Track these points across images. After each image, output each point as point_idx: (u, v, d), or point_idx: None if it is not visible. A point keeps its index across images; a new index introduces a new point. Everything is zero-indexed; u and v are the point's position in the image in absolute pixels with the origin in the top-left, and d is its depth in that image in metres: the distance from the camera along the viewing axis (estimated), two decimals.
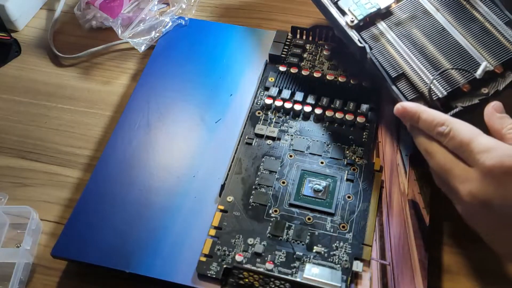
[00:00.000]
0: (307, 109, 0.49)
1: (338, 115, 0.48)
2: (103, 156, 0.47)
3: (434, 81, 0.43)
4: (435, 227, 0.44)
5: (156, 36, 0.57)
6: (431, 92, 0.43)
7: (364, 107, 0.48)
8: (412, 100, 0.43)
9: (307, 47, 0.54)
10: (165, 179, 0.45)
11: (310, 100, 0.49)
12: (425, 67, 0.44)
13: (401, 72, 0.44)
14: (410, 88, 0.44)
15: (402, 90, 0.44)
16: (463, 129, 0.37)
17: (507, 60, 0.43)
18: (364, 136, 0.47)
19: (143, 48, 0.56)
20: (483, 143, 0.35)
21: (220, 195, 0.44)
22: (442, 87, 0.43)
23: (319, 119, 0.49)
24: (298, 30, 0.55)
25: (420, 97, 0.43)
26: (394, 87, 0.44)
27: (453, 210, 0.45)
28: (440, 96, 0.42)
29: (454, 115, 0.41)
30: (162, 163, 0.46)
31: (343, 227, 0.42)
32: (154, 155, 0.47)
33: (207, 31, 0.57)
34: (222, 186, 0.44)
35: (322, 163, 0.45)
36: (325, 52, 0.53)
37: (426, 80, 0.43)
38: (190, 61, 0.54)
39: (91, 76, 0.57)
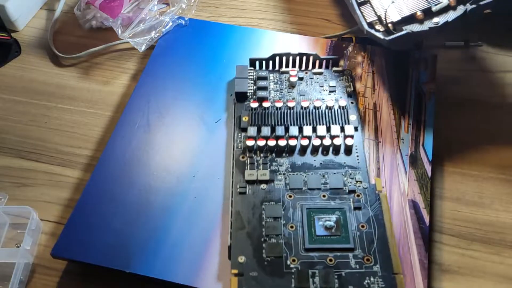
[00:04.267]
0: (292, 142, 0.46)
1: (325, 142, 0.46)
2: (103, 156, 0.47)
3: (392, 6, 0.48)
4: (435, 227, 0.44)
5: (156, 36, 0.57)
6: (386, 15, 0.49)
7: (348, 128, 0.47)
8: (369, 24, 0.50)
9: (271, 77, 0.52)
10: (165, 179, 0.45)
11: (293, 132, 0.47)
12: None
13: None
14: (372, 12, 0.50)
15: (364, 13, 0.50)
16: None
17: None
18: (357, 158, 0.46)
19: (143, 48, 0.56)
20: None
21: (229, 258, 0.40)
22: (398, 12, 0.49)
23: (305, 150, 0.46)
24: (257, 62, 0.52)
25: (378, 20, 0.49)
26: (358, 10, 0.50)
27: (453, 210, 0.45)
28: (394, 20, 0.48)
29: (401, 36, 0.47)
30: (162, 163, 0.46)
31: (368, 260, 0.39)
32: (154, 155, 0.47)
33: (207, 31, 0.57)
34: (229, 248, 0.40)
35: (324, 196, 0.43)
36: (291, 79, 0.51)
37: (386, 6, 0.49)
38: (190, 61, 0.54)
39: (91, 76, 0.57)
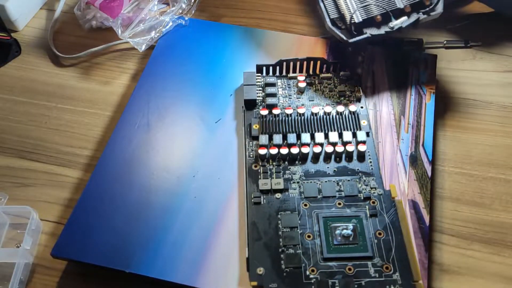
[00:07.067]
0: (305, 150, 0.45)
1: (338, 149, 0.45)
2: (103, 156, 0.47)
3: (357, 8, 0.49)
4: (435, 227, 0.44)
5: (156, 36, 0.57)
6: (352, 16, 0.49)
7: (360, 133, 0.46)
8: (332, 20, 0.50)
9: (279, 83, 0.51)
10: (165, 179, 0.45)
11: (305, 139, 0.46)
12: None
13: None
14: (335, 8, 0.51)
15: (327, 8, 0.51)
16: None
17: (415, 2, 0.49)
18: (370, 164, 0.45)
19: (143, 48, 0.56)
20: None
21: (248, 270, 0.40)
22: (360, 14, 0.49)
23: (318, 158, 0.46)
24: (264, 68, 0.52)
25: (340, 18, 0.50)
26: (322, 4, 0.51)
27: (453, 210, 0.45)
28: (356, 21, 0.49)
29: (362, 40, 0.49)
30: (162, 163, 0.46)
31: (387, 268, 0.39)
32: (154, 155, 0.47)
33: (207, 31, 0.57)
34: (247, 259, 0.40)
35: (339, 204, 0.43)
36: (299, 85, 0.50)
37: (350, 7, 0.50)
38: (190, 61, 0.54)
39: (91, 76, 0.57)
